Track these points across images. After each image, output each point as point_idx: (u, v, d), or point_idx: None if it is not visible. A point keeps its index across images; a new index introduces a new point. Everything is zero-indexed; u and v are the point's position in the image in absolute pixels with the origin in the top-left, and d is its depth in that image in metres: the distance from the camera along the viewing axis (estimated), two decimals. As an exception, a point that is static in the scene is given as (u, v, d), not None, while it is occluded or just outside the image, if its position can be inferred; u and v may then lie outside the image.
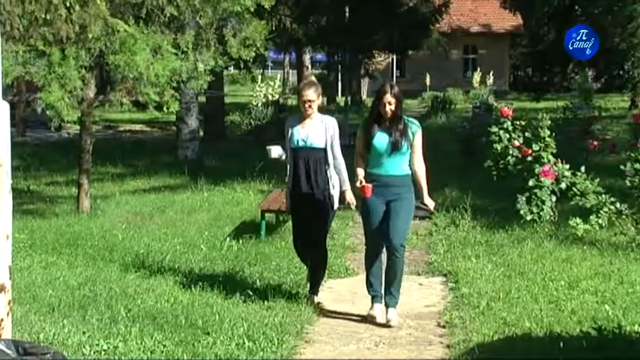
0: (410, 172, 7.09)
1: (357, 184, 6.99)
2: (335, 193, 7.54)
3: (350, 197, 7.55)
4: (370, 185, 6.91)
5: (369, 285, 7.30)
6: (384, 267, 7.22)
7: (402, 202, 7.02)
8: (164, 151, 21.18)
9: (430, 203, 7.19)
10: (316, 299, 7.69)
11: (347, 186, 7.56)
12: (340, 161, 7.57)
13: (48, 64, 10.49)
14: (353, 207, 7.55)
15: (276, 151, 6.89)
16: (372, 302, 7.28)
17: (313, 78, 7.78)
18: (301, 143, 7.52)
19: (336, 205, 7.58)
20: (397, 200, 7.02)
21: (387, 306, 7.18)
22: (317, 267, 7.72)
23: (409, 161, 7.07)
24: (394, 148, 6.96)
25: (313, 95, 7.49)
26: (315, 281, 7.78)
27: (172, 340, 6.33)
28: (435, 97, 33.70)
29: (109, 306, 7.26)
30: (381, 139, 7.02)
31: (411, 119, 7.18)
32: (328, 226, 7.78)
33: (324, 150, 7.52)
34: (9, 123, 4.35)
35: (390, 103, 6.94)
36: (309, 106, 7.49)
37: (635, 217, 10.14)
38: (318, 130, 7.53)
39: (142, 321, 6.81)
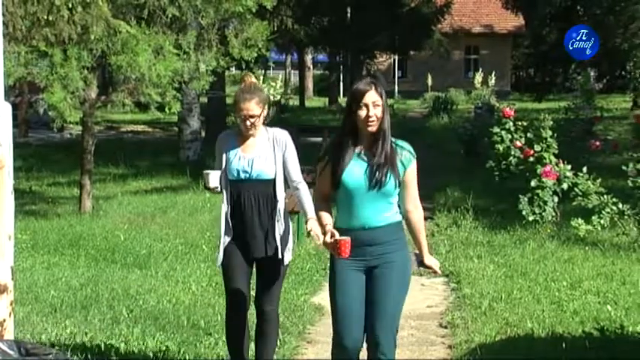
0: (400, 219, 4.70)
1: (327, 238, 4.54)
2: (290, 245, 5.50)
3: (314, 229, 5.04)
4: (347, 239, 4.47)
5: None
6: None
7: (392, 271, 4.61)
8: (166, 152, 21.18)
9: (434, 264, 4.79)
10: (317, 300, 7.64)
11: (311, 214, 5.20)
12: (302, 187, 5.47)
13: (50, 65, 10.50)
14: (318, 242, 4.97)
15: (215, 179, 5.58)
16: None
17: (253, 79, 5.52)
18: (243, 174, 5.37)
19: (288, 259, 5.47)
20: (384, 266, 4.61)
21: None
22: (267, 343, 5.58)
23: (400, 203, 4.71)
24: (376, 184, 4.52)
25: (256, 108, 5.31)
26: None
27: (174, 341, 6.33)
28: (436, 97, 33.66)
29: (111, 306, 7.26)
30: (354, 172, 4.55)
31: (401, 142, 4.66)
32: (280, 290, 5.63)
33: (274, 181, 5.42)
34: (11, 124, 4.34)
35: (376, 105, 4.47)
36: (252, 125, 5.32)
37: (638, 218, 10.14)
38: (266, 153, 5.40)
39: (144, 321, 6.81)
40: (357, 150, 4.59)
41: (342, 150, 4.59)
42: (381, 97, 4.50)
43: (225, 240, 5.43)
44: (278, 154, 5.41)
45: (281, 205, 5.42)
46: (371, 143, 4.56)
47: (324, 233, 4.59)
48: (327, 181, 4.67)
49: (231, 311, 5.50)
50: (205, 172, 5.46)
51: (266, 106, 5.40)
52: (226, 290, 5.50)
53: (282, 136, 5.46)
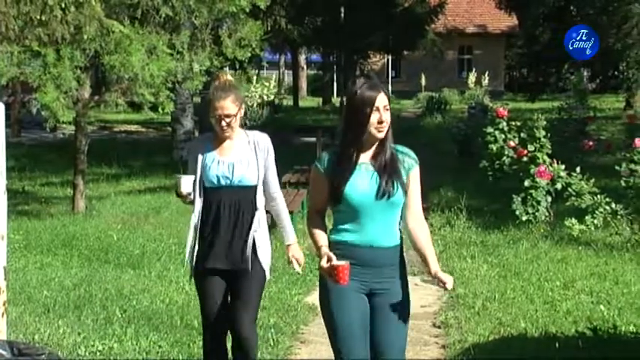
0: (402, 240, 4.25)
1: (322, 262, 4.02)
2: (268, 256, 4.99)
3: (296, 255, 5.03)
4: (346, 264, 3.98)
5: None
6: None
7: (397, 295, 4.21)
8: (159, 152, 21.16)
9: (447, 279, 4.07)
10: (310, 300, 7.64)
11: (292, 239, 5.07)
12: (280, 201, 5.10)
13: (43, 64, 10.48)
14: (299, 269, 5.00)
15: (187, 184, 4.93)
16: None
17: (229, 76, 5.05)
18: (224, 180, 4.87)
19: (268, 274, 5.00)
20: (389, 292, 4.18)
21: None
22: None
23: (402, 214, 4.24)
24: (384, 193, 4.10)
25: (232, 107, 4.85)
26: None
27: (168, 341, 6.33)
28: (430, 97, 33.68)
29: (104, 306, 7.26)
30: (358, 184, 4.11)
31: (401, 147, 4.29)
32: (258, 310, 5.11)
33: (256, 188, 4.94)
34: (4, 123, 4.34)
35: (386, 109, 4.13)
36: (228, 125, 4.85)
37: (631, 218, 10.15)
38: (248, 157, 4.93)
39: (137, 322, 6.81)
40: (361, 159, 4.16)
41: (343, 161, 4.13)
42: (388, 99, 4.16)
43: (197, 253, 4.92)
44: (260, 160, 4.94)
45: (261, 214, 4.95)
46: (373, 150, 4.17)
47: (320, 256, 4.06)
48: (323, 195, 4.18)
49: (208, 333, 5.03)
50: (177, 176, 4.91)
51: (243, 106, 4.96)
52: (202, 310, 5.01)
53: (264, 140, 5.00)
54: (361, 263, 4.11)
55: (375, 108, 4.08)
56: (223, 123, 4.83)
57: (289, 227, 5.09)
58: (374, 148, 4.17)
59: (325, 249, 4.09)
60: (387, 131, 4.14)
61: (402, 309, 4.20)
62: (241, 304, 4.91)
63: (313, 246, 4.23)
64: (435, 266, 4.11)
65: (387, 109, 4.12)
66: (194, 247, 4.92)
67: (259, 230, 4.93)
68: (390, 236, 4.18)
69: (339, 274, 3.97)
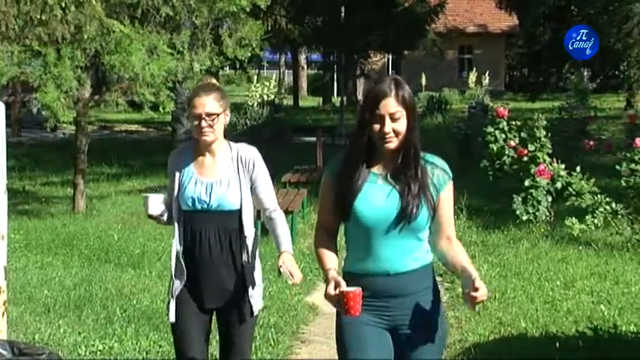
0: (431, 260, 3.59)
1: (330, 288, 3.36)
2: (258, 291, 4.31)
3: (286, 264, 4.10)
4: (357, 291, 3.32)
5: None
6: None
7: (426, 330, 3.50)
8: (159, 152, 21.10)
9: (482, 292, 3.29)
10: (310, 300, 7.63)
11: (288, 247, 4.20)
12: (280, 221, 4.29)
13: (43, 64, 10.49)
14: (290, 281, 4.13)
15: (156, 204, 4.32)
16: None
17: (214, 81, 4.42)
18: (199, 204, 4.20)
19: (257, 308, 4.31)
20: (415, 328, 3.49)
21: None
22: None
23: (431, 238, 3.57)
24: (404, 217, 3.41)
25: (215, 105, 4.17)
26: None
27: (168, 341, 6.31)
28: (430, 97, 33.67)
29: (104, 306, 7.25)
30: (373, 198, 3.45)
31: (431, 157, 3.58)
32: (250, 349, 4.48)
33: (240, 212, 4.20)
34: (4, 123, 4.33)
35: (394, 118, 3.38)
36: (210, 127, 4.15)
37: (631, 217, 10.15)
38: (229, 177, 4.22)
39: (137, 321, 6.81)
40: (376, 170, 3.47)
41: (353, 168, 3.44)
42: (405, 105, 3.38)
43: (177, 287, 4.27)
44: (244, 178, 4.21)
45: (250, 243, 4.23)
46: (394, 161, 3.45)
47: (327, 281, 3.41)
48: (331, 209, 3.52)
49: None
50: (144, 195, 4.35)
51: (228, 111, 4.26)
52: (177, 353, 4.34)
53: (249, 153, 4.25)
54: (380, 295, 3.46)
55: (378, 116, 3.37)
56: (204, 123, 4.13)
57: (285, 237, 4.25)
58: (391, 157, 3.46)
59: (333, 273, 3.42)
60: (406, 140, 3.41)
61: (434, 348, 3.49)
62: (230, 342, 4.29)
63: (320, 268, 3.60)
64: (475, 278, 3.31)
65: (397, 119, 3.37)
66: (175, 277, 4.30)
67: (248, 261, 4.22)
68: (412, 258, 3.48)
69: (349, 303, 3.30)
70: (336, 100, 38.32)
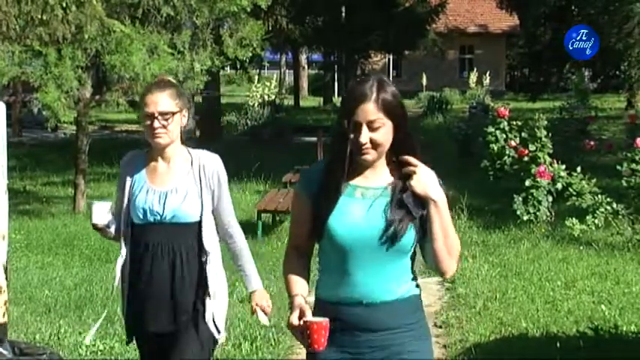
0: (419, 291, 3.07)
1: (292, 318, 2.88)
2: (219, 311, 3.84)
3: (261, 303, 3.99)
4: (324, 322, 2.84)
5: None
6: None
7: None
8: (160, 152, 21.16)
9: None
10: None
11: (256, 284, 3.98)
12: (239, 238, 3.96)
13: (44, 64, 10.50)
14: (265, 321, 4.09)
15: (102, 213, 3.74)
16: None
17: (171, 78, 4.08)
18: (151, 216, 3.76)
19: (220, 334, 3.85)
20: None
21: None
22: None
23: (425, 258, 3.04)
24: (387, 238, 2.90)
25: (169, 103, 3.75)
26: None
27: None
28: (431, 97, 33.67)
29: (105, 306, 7.25)
30: (349, 214, 2.94)
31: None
32: None
33: (200, 225, 3.78)
34: (5, 123, 4.33)
35: (372, 128, 2.85)
36: (163, 127, 3.75)
37: (632, 218, 10.15)
38: (187, 186, 3.80)
39: (138, 321, 6.80)
40: (355, 182, 2.96)
41: (329, 179, 2.93)
42: (386, 111, 2.84)
43: (127, 310, 3.89)
44: (206, 189, 3.78)
45: (212, 260, 3.77)
46: (374, 171, 2.98)
47: (292, 308, 2.92)
48: (304, 226, 3.02)
49: None
50: (92, 203, 3.88)
51: (185, 112, 3.84)
52: None
53: (213, 164, 3.83)
54: (350, 327, 2.94)
55: (354, 123, 2.85)
56: (156, 123, 3.72)
57: (252, 271, 3.94)
58: (373, 168, 2.97)
59: (299, 300, 2.93)
60: (387, 150, 2.94)
61: None
62: None
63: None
64: None
65: (378, 127, 2.84)
66: (124, 301, 3.87)
67: (209, 283, 3.76)
68: (394, 286, 2.96)
69: (313, 336, 2.81)
70: (336, 100, 38.34)
